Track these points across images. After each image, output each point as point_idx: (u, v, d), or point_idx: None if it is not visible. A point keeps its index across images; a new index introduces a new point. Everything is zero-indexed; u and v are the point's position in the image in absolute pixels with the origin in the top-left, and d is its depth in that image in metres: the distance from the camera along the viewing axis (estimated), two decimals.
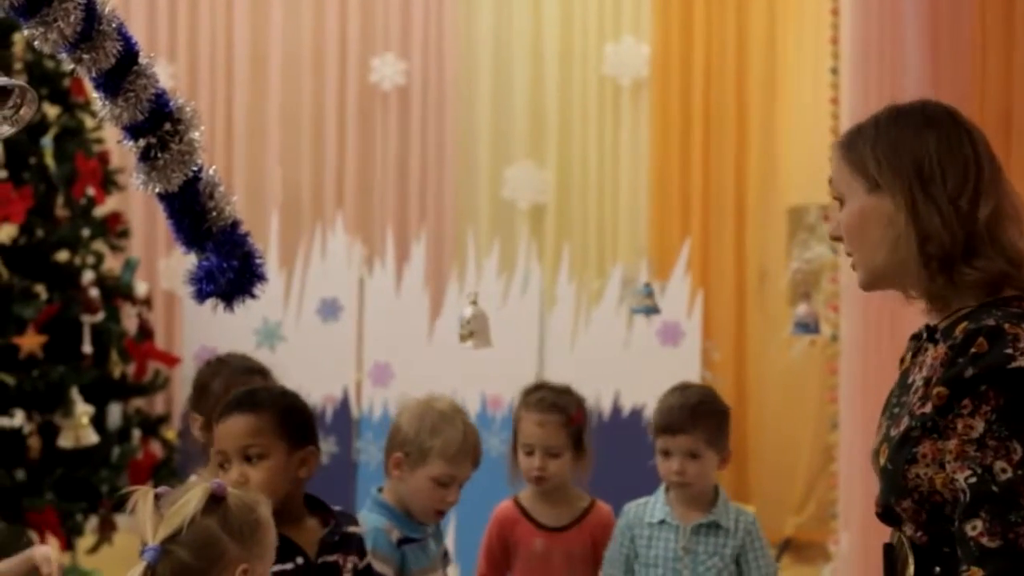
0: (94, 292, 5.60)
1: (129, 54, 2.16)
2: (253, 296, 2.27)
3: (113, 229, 6.00)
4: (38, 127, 5.57)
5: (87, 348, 5.55)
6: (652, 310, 3.96)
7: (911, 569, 2.00)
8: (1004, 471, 1.88)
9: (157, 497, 2.07)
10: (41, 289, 5.59)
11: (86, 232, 5.79)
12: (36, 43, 2.12)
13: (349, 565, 2.77)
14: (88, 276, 5.64)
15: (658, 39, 7.55)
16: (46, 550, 2.33)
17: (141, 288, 6.15)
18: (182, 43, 7.55)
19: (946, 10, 4.66)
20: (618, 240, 7.66)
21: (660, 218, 7.54)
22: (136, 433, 5.86)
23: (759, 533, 3.36)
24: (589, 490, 3.58)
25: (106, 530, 5.56)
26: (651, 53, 7.57)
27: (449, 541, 3.58)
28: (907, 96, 2.17)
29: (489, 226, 7.52)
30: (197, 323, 5.93)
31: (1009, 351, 1.91)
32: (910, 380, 2.06)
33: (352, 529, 2.84)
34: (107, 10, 2.14)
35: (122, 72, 2.16)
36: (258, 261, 2.27)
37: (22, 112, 2.09)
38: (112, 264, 6.11)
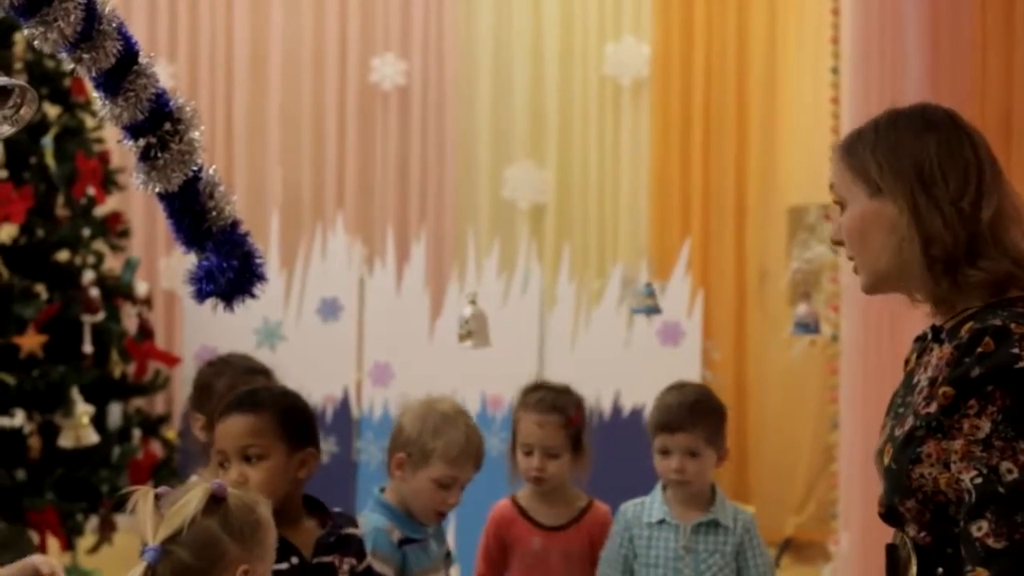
0: (94, 292, 5.60)
1: (129, 54, 2.16)
2: (253, 296, 2.27)
3: (113, 229, 6.00)
4: (38, 127, 5.57)
5: (87, 348, 5.55)
6: (653, 310, 3.95)
7: (914, 570, 2.00)
8: (1010, 471, 1.88)
9: (157, 497, 2.07)
10: (41, 289, 5.59)
11: (86, 232, 5.78)
12: (36, 43, 2.12)
13: (346, 567, 2.76)
14: (88, 276, 5.64)
15: (658, 39, 7.55)
16: (47, 557, 2.33)
17: (141, 288, 6.15)
18: (182, 43, 7.55)
19: (946, 10, 4.66)
20: (618, 240, 7.66)
21: (660, 218, 7.54)
22: (136, 433, 5.85)
23: (757, 531, 3.36)
24: (590, 490, 3.58)
25: (106, 530, 5.55)
26: (651, 53, 7.57)
27: (449, 541, 3.57)
28: (908, 96, 2.18)
29: (489, 226, 7.52)
30: (197, 323, 5.93)
31: (1015, 351, 1.91)
32: (915, 380, 2.06)
33: (350, 531, 2.83)
34: (107, 10, 2.14)
35: (122, 72, 2.16)
36: (258, 261, 2.27)
37: (22, 112, 2.09)
38: (112, 264, 6.11)
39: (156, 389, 6.11)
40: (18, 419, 5.41)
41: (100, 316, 5.61)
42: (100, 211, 5.95)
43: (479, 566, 3.55)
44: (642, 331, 5.73)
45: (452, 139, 7.65)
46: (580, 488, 3.57)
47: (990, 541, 1.87)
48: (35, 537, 5.32)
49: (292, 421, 2.76)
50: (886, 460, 2.03)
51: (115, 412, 5.75)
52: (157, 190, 2.21)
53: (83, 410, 5.43)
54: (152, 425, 6.00)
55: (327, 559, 2.74)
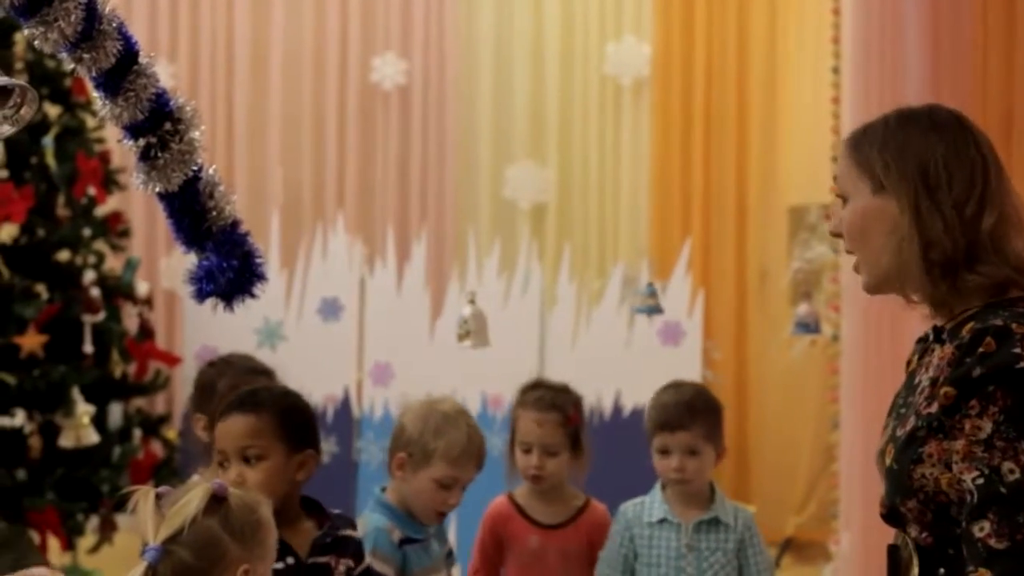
0: (95, 292, 5.59)
1: (129, 53, 2.16)
2: (253, 296, 2.27)
3: (114, 229, 6.00)
4: (39, 127, 5.57)
5: (88, 348, 5.54)
6: (655, 310, 3.95)
7: (915, 571, 2.00)
8: (1012, 472, 1.88)
9: (158, 497, 2.07)
10: (42, 289, 5.59)
11: (87, 232, 5.78)
12: (37, 43, 2.11)
13: (342, 568, 2.75)
14: (89, 276, 5.64)
15: (659, 39, 7.55)
16: (47, 570, 2.32)
17: (142, 288, 6.15)
18: (183, 43, 7.55)
19: (947, 10, 4.66)
20: (619, 240, 7.66)
21: (661, 218, 7.54)
22: (137, 433, 5.85)
23: (757, 529, 3.37)
24: (591, 490, 3.58)
25: (107, 530, 5.55)
26: (652, 53, 7.57)
27: (450, 540, 3.57)
28: (908, 96, 2.18)
29: (490, 226, 7.52)
30: (198, 323, 5.93)
31: (1017, 351, 1.91)
32: (916, 381, 2.06)
33: (348, 532, 2.82)
34: (107, 9, 2.14)
35: (122, 71, 2.16)
36: (258, 260, 2.27)
37: (23, 112, 2.09)
38: (113, 264, 6.11)
39: (157, 389, 6.11)
40: (18, 419, 5.40)
41: (101, 316, 5.61)
42: (101, 211, 5.94)
43: (474, 562, 3.55)
44: (643, 331, 5.73)
45: (453, 139, 7.65)
46: (579, 487, 3.57)
47: (992, 542, 1.87)
48: (36, 537, 5.32)
49: (292, 422, 2.76)
50: (888, 460, 2.02)
51: (116, 412, 5.74)
52: (157, 190, 2.21)
53: (84, 410, 5.43)
54: (153, 425, 6.00)
55: (323, 560, 2.73)
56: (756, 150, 7.51)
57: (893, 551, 2.07)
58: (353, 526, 2.89)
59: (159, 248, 7.34)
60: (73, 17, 2.08)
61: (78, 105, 5.77)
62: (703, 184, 7.49)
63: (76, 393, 5.42)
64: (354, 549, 2.82)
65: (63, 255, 5.76)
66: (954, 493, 1.93)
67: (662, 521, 3.32)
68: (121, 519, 5.52)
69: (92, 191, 5.78)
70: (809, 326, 4.86)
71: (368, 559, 2.96)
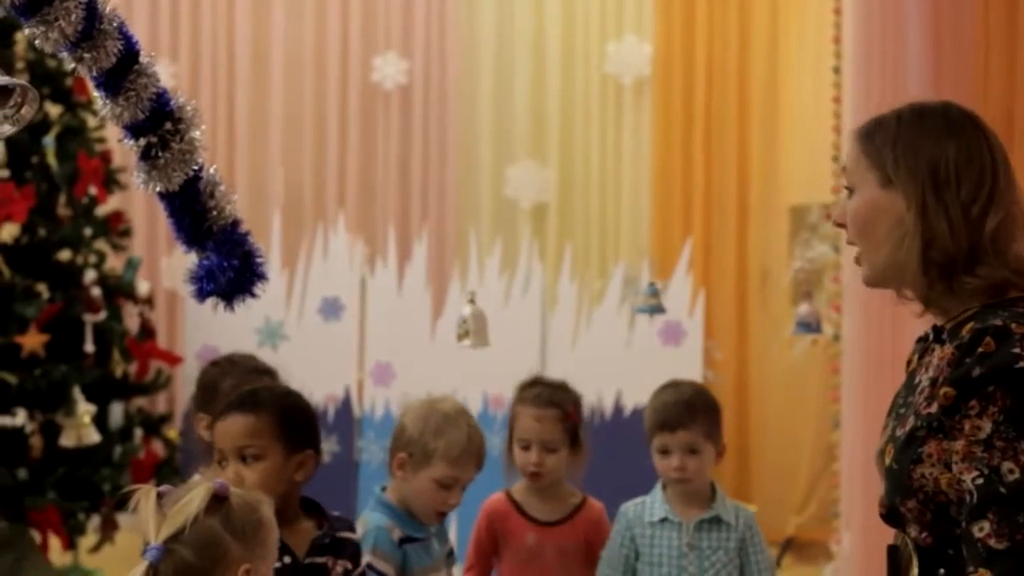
0: (96, 291, 5.60)
1: (130, 53, 2.16)
2: (253, 295, 2.27)
3: (115, 228, 6.00)
4: (40, 126, 5.57)
5: (89, 347, 5.55)
6: (657, 309, 3.95)
7: (915, 571, 1.99)
8: (1012, 472, 1.88)
9: (159, 496, 2.07)
10: (43, 288, 5.59)
11: (88, 231, 5.78)
12: (37, 42, 2.11)
13: (339, 569, 2.76)
14: (90, 275, 5.64)
15: (660, 38, 7.55)
16: None
17: (143, 287, 6.15)
18: (184, 42, 7.55)
19: (948, 9, 4.66)
20: (620, 239, 7.66)
21: (662, 217, 7.54)
22: (138, 432, 5.86)
23: (758, 528, 3.37)
24: (592, 489, 3.58)
25: (108, 529, 5.55)
26: (653, 52, 7.57)
27: (451, 540, 3.57)
28: (910, 96, 2.17)
29: (491, 225, 7.52)
30: (199, 322, 5.94)
31: (1016, 351, 1.90)
32: (916, 381, 2.05)
33: (346, 535, 2.83)
34: (108, 9, 2.14)
35: (123, 71, 2.16)
36: (258, 260, 2.27)
37: (23, 111, 2.09)
38: (114, 263, 6.11)
39: (158, 388, 6.11)
40: (20, 418, 5.41)
41: (102, 315, 5.61)
42: (102, 210, 5.95)
43: (469, 557, 3.55)
44: (643, 331, 5.73)
45: (454, 138, 7.65)
46: (576, 484, 3.57)
47: (992, 542, 1.87)
48: (37, 536, 5.32)
49: (291, 423, 2.75)
50: (887, 460, 2.02)
51: (117, 411, 5.75)
52: (158, 189, 2.21)
53: (85, 409, 5.43)
54: (154, 424, 6.00)
55: (320, 560, 2.74)
56: (757, 150, 7.51)
57: (892, 551, 2.06)
58: (351, 528, 2.89)
59: (160, 248, 7.34)
60: (74, 16, 2.08)
61: (79, 105, 5.77)
62: (704, 184, 7.49)
63: (77, 392, 5.42)
64: (352, 551, 2.82)
65: (64, 255, 5.77)
66: (954, 493, 1.93)
67: (663, 520, 3.32)
68: (122, 518, 5.53)
69: (93, 191, 5.79)
70: (810, 326, 4.86)
71: (369, 558, 2.96)
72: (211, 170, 2.24)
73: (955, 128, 2.05)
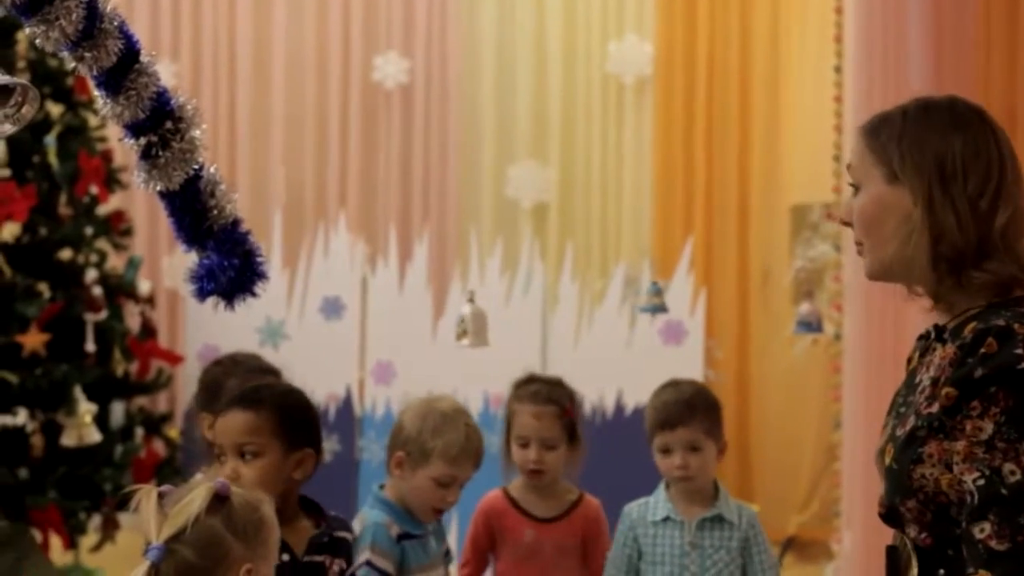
0: (97, 290, 5.60)
1: (130, 52, 2.16)
2: (254, 294, 2.27)
3: (116, 227, 6.00)
4: (41, 125, 5.57)
5: (90, 346, 5.55)
6: (660, 308, 3.94)
7: (914, 572, 1.98)
8: (1013, 473, 1.87)
9: (160, 496, 2.07)
10: (44, 287, 5.59)
11: (89, 230, 5.78)
12: (38, 41, 2.11)
13: (336, 568, 2.77)
14: (91, 274, 5.64)
15: (661, 37, 7.55)
16: None
17: (144, 286, 6.15)
18: (185, 42, 7.55)
19: (950, 8, 4.66)
20: (621, 239, 7.66)
21: (663, 217, 7.53)
22: (139, 431, 5.86)
23: (760, 528, 3.37)
24: (593, 489, 3.58)
25: (109, 529, 5.56)
26: (654, 51, 7.57)
27: (450, 539, 3.58)
28: (911, 95, 2.16)
29: (492, 225, 7.52)
30: (200, 321, 5.94)
31: (1019, 351, 1.89)
32: (917, 380, 2.04)
33: (344, 534, 2.83)
34: (109, 8, 2.14)
35: (123, 70, 2.16)
36: (259, 259, 2.27)
37: (24, 111, 2.09)
38: (115, 262, 6.11)
39: (159, 388, 6.11)
40: (21, 418, 5.41)
41: (103, 315, 5.61)
42: (103, 210, 5.95)
43: (465, 553, 3.55)
44: (644, 330, 5.73)
45: (455, 138, 7.64)
46: (573, 481, 3.57)
47: (993, 543, 1.86)
48: (38, 536, 5.32)
49: (291, 421, 2.75)
50: (887, 460, 2.01)
51: (118, 411, 5.75)
52: (158, 188, 2.21)
53: (86, 409, 5.43)
54: (155, 424, 6.00)
55: (318, 559, 2.74)
56: (758, 149, 7.50)
57: (892, 552, 2.06)
58: (349, 529, 2.90)
59: (161, 247, 7.34)
60: (74, 16, 2.08)
61: (80, 104, 5.77)
62: (705, 183, 7.49)
63: (78, 392, 5.42)
64: (347, 551, 2.84)
65: (65, 254, 5.77)
66: (954, 494, 1.92)
67: (666, 519, 3.32)
68: (123, 518, 5.53)
69: (94, 190, 5.79)
70: (811, 325, 4.85)
71: (368, 554, 2.97)
72: (212, 169, 2.25)
73: (961, 122, 2.03)
